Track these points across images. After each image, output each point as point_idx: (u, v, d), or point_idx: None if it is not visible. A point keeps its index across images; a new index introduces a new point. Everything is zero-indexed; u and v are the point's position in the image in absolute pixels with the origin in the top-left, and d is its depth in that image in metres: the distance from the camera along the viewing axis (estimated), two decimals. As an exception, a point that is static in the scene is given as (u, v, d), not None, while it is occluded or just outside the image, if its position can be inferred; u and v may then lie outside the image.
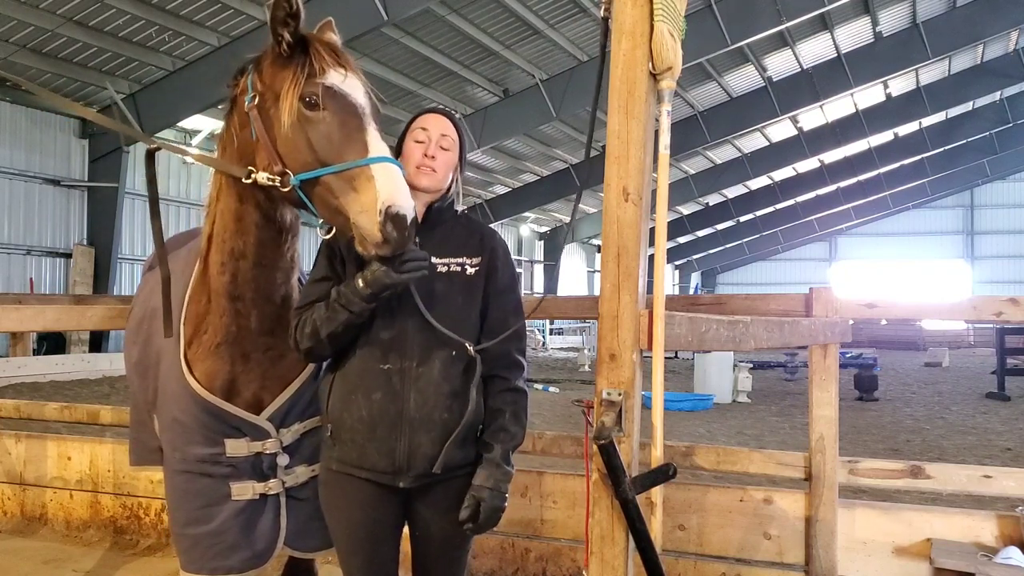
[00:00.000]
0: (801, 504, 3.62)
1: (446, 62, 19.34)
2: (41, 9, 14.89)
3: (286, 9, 2.16)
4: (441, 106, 2.49)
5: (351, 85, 2.21)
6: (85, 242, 19.35)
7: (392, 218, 1.99)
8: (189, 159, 2.64)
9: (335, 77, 2.19)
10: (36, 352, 17.60)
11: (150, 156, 2.47)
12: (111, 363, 16.87)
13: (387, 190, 2.03)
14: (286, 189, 2.18)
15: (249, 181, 2.24)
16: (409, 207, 2.03)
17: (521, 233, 37.80)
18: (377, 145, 2.13)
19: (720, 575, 3.77)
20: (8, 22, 15.01)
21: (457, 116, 2.46)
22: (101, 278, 19.00)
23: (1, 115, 17.84)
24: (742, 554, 3.74)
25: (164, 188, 21.05)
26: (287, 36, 2.19)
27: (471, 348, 2.25)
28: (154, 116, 17.50)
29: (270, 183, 2.20)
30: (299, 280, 2.56)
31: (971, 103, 29.70)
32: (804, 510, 3.60)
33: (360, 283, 2.15)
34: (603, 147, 2.33)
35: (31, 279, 18.77)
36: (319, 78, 2.17)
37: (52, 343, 18.17)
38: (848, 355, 21.39)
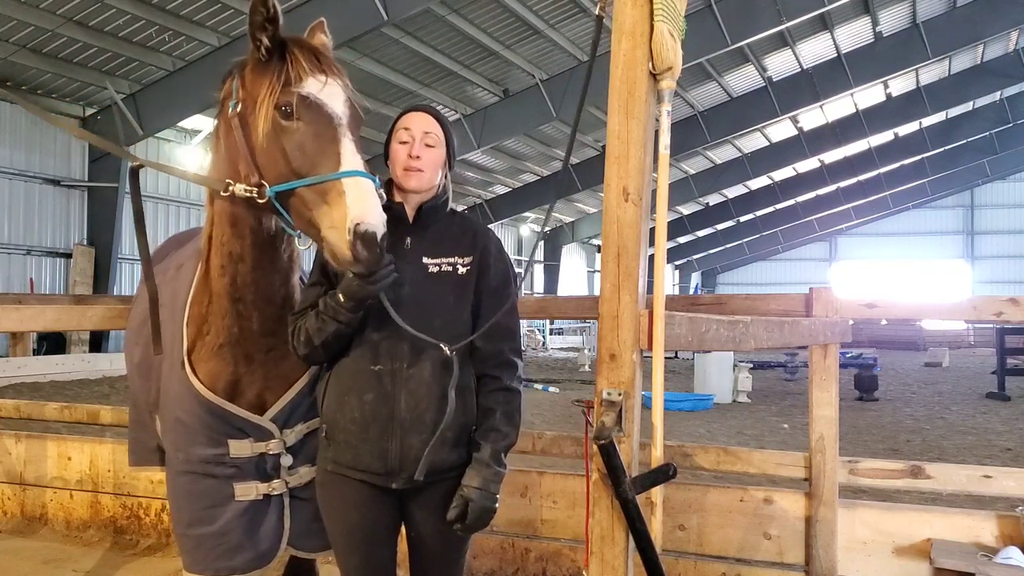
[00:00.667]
0: (801, 504, 3.62)
1: (446, 62, 19.34)
2: (41, 9, 14.89)
3: (263, 14, 2.13)
4: (424, 103, 2.46)
5: (329, 93, 2.17)
6: (85, 242, 19.37)
7: (361, 236, 1.97)
8: (185, 165, 2.60)
9: (312, 85, 2.15)
10: (36, 352, 17.60)
11: (134, 173, 2.46)
12: (111, 363, 16.87)
13: (357, 207, 1.99)
14: (262, 200, 2.17)
15: (227, 194, 2.23)
16: (379, 224, 2.00)
17: (521, 233, 37.82)
18: (350, 158, 2.09)
19: (720, 575, 3.78)
20: (8, 22, 15.01)
21: (442, 112, 2.44)
22: (101, 278, 19.02)
23: (1, 115, 17.85)
24: (742, 554, 3.74)
25: (164, 187, 21.07)
26: (266, 41, 2.16)
27: (447, 349, 2.22)
28: (154, 116, 17.51)
29: (247, 195, 2.18)
30: (300, 280, 2.56)
31: (971, 103, 29.70)
32: (804, 510, 3.60)
33: (341, 297, 2.17)
34: (603, 147, 2.33)
35: (31, 279, 18.78)
36: (295, 86, 2.13)
37: (52, 343, 18.17)
38: (848, 355, 21.38)
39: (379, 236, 1.99)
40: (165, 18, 15.62)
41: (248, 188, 2.19)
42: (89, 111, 19.30)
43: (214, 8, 15.55)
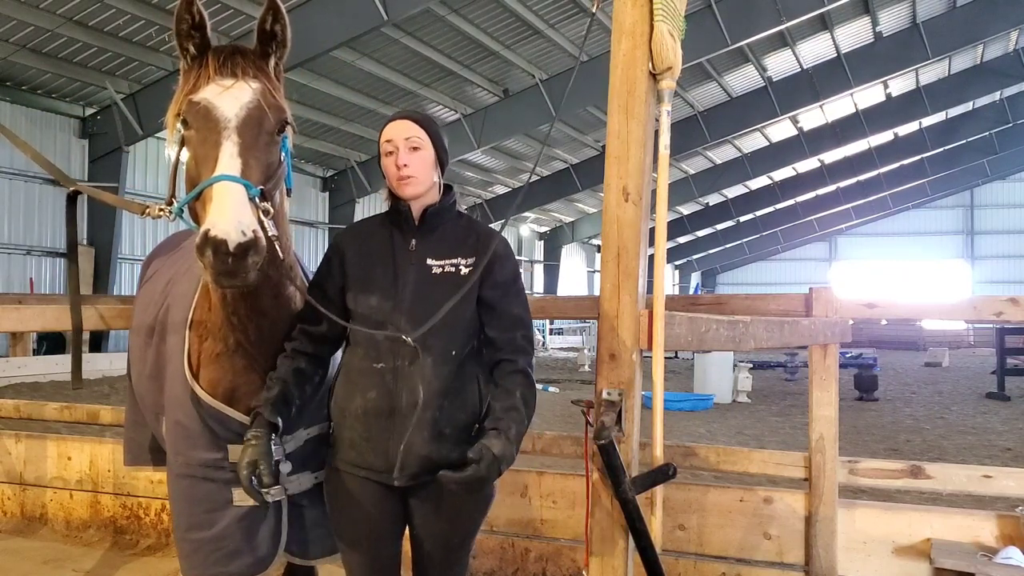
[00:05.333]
0: (801, 504, 3.62)
1: (446, 62, 19.33)
2: (41, 9, 14.89)
3: (189, 21, 2.11)
4: (402, 110, 2.45)
5: (227, 96, 2.08)
6: (85, 242, 19.34)
7: (208, 241, 1.85)
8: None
9: (209, 91, 2.09)
10: (36, 352, 17.60)
11: (71, 200, 2.42)
12: (111, 363, 16.86)
13: (214, 212, 1.90)
14: (171, 219, 2.15)
15: (144, 216, 2.22)
16: (229, 231, 1.86)
17: (521, 233, 37.82)
18: (225, 162, 1.99)
19: (720, 575, 3.78)
20: (8, 22, 15.01)
21: (435, 113, 2.43)
22: (101, 278, 19.00)
23: (1, 115, 17.85)
24: (742, 554, 3.74)
25: (154, 186, 21.01)
26: (192, 50, 2.15)
27: (408, 339, 2.19)
28: (154, 116, 17.50)
29: (160, 214, 2.17)
30: (305, 277, 2.55)
31: (971, 103, 29.70)
32: (804, 510, 3.60)
33: None
34: (603, 147, 2.33)
35: (31, 279, 18.77)
36: (193, 93, 2.09)
37: (52, 343, 18.16)
38: (848, 355, 21.38)
39: (232, 243, 1.86)
40: (165, 18, 15.61)
41: (162, 208, 2.16)
42: (89, 111, 19.30)
43: (214, 8, 15.53)
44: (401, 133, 2.32)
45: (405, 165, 2.29)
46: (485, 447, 2.15)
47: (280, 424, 2.27)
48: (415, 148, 2.31)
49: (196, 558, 2.46)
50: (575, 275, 42.36)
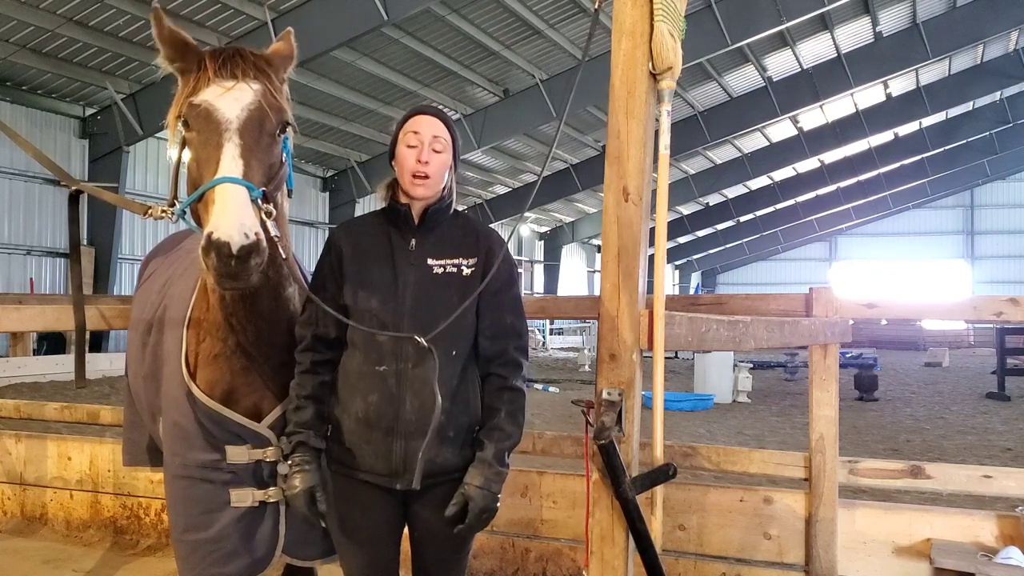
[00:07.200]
0: (801, 504, 3.62)
1: (446, 62, 19.34)
2: (41, 9, 14.89)
3: (171, 45, 2.21)
4: (432, 105, 2.45)
5: (228, 98, 2.10)
6: (85, 242, 19.34)
7: (212, 245, 1.87)
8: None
9: (210, 92, 2.11)
10: (36, 352, 17.59)
11: (73, 199, 2.44)
12: (111, 363, 16.86)
13: (216, 215, 1.92)
14: (173, 220, 2.17)
15: (147, 217, 2.25)
16: (232, 233, 1.88)
17: (521, 233, 37.83)
18: (227, 164, 2.01)
19: (720, 575, 3.78)
20: (8, 22, 15.01)
21: (449, 115, 2.42)
22: (101, 278, 19.00)
23: (1, 115, 17.85)
24: (742, 554, 3.74)
25: (154, 186, 21.02)
26: (185, 62, 2.21)
27: (422, 340, 2.18)
28: (154, 116, 17.51)
29: (163, 216, 2.19)
30: (303, 275, 2.55)
31: (971, 103, 29.71)
32: (804, 510, 3.60)
33: None
34: (603, 147, 2.33)
35: (31, 279, 18.77)
36: (194, 95, 2.11)
37: (52, 343, 18.16)
38: (848, 355, 21.39)
39: (235, 247, 1.87)
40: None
41: (164, 209, 2.18)
42: (89, 111, 19.30)
43: (214, 8, 15.55)
44: (430, 130, 2.30)
45: (427, 163, 2.27)
46: (461, 497, 2.24)
47: (323, 447, 2.34)
48: (438, 151, 2.30)
49: (193, 559, 2.46)
50: (575, 275, 42.35)
